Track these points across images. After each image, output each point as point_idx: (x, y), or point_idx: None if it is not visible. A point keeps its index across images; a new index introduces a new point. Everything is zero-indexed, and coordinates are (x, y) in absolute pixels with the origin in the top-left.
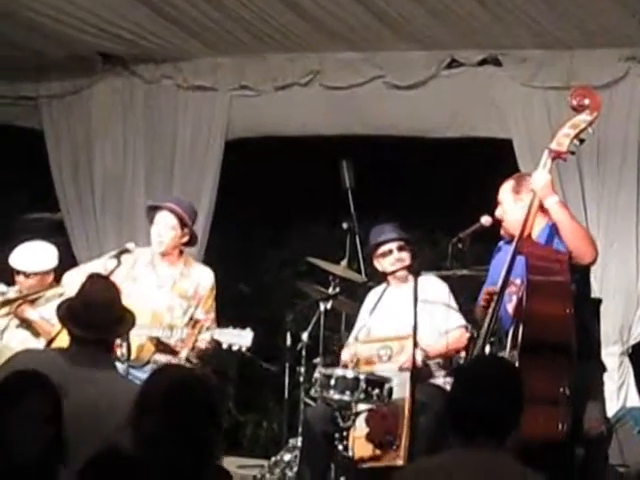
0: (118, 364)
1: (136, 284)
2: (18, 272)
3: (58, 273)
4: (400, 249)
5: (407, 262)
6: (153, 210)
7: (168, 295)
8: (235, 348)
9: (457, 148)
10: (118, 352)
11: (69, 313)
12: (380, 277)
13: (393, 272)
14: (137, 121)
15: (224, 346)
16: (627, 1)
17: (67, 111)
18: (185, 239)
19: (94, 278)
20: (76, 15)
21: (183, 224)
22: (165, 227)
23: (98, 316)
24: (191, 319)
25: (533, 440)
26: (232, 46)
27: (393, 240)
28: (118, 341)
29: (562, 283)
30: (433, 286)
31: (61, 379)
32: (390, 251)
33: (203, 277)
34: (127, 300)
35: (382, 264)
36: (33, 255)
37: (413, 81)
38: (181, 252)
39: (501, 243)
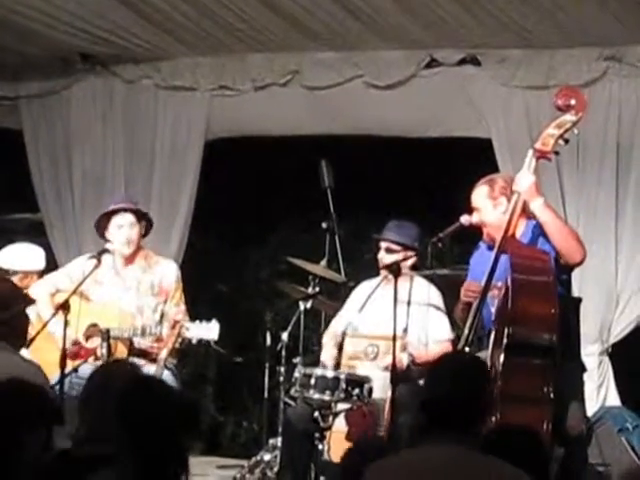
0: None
1: (102, 288)
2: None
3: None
4: (387, 250)
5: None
6: (105, 220)
7: (135, 296)
8: (204, 341)
9: (437, 147)
10: (98, 352)
11: None
12: (361, 275)
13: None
14: (117, 121)
15: (193, 341)
16: (606, 1)
17: (46, 111)
18: (144, 230)
19: None
20: (56, 15)
21: (139, 218)
22: (130, 226)
23: None
24: (162, 316)
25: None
26: (211, 46)
27: (388, 241)
28: (98, 341)
29: (547, 283)
30: (427, 291)
31: None
32: (378, 249)
33: (166, 270)
34: (94, 304)
35: (379, 258)
36: (17, 255)
37: (392, 81)
38: (139, 247)
39: (481, 243)
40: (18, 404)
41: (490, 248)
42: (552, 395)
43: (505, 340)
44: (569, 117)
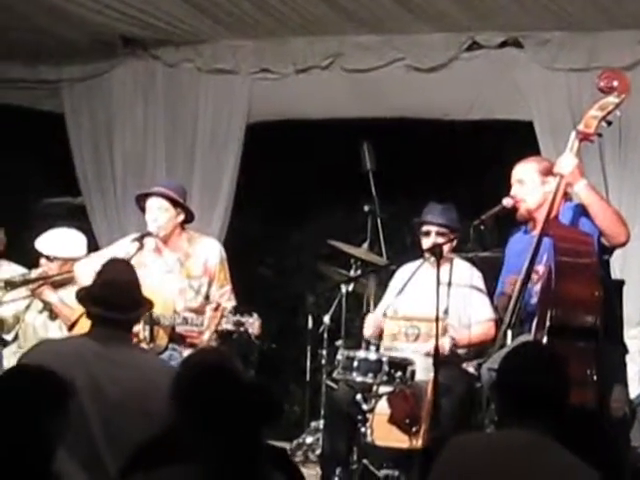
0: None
1: (145, 271)
2: (42, 255)
3: None
4: (438, 234)
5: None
6: (143, 200)
7: (177, 278)
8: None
9: (478, 130)
10: (141, 335)
11: (89, 294)
12: (403, 259)
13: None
14: (157, 104)
15: (234, 335)
16: None
17: (88, 94)
18: (181, 217)
19: (114, 261)
20: None
21: (174, 203)
22: (158, 210)
23: (119, 296)
24: (207, 298)
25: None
26: (252, 29)
27: (435, 224)
28: (140, 325)
29: (590, 265)
30: (466, 274)
31: (94, 361)
32: (428, 233)
33: (210, 251)
34: None
35: (422, 242)
36: (59, 240)
37: (433, 64)
38: (182, 230)
39: (516, 232)
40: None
41: (526, 232)
42: (595, 378)
43: (548, 323)
44: (612, 99)
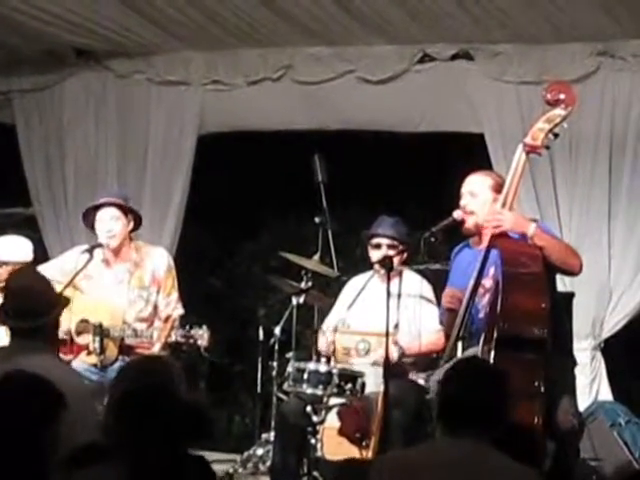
0: (92, 359)
1: (92, 283)
2: None
3: None
4: (389, 247)
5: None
6: (92, 214)
7: (127, 289)
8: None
9: (429, 143)
10: (90, 347)
11: (1, 308)
12: (353, 270)
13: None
14: (109, 115)
15: (183, 347)
16: None
17: (39, 105)
18: (131, 225)
19: (19, 270)
20: (49, 10)
21: (124, 211)
22: (111, 220)
23: (25, 304)
24: (156, 307)
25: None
26: (204, 41)
27: (386, 237)
28: (91, 336)
29: (537, 277)
30: (416, 284)
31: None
32: (379, 245)
33: (157, 260)
34: (86, 299)
35: (371, 254)
36: (8, 246)
37: (385, 76)
38: (130, 240)
39: (460, 246)
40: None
41: (469, 246)
42: (543, 389)
43: (495, 334)
44: (559, 111)
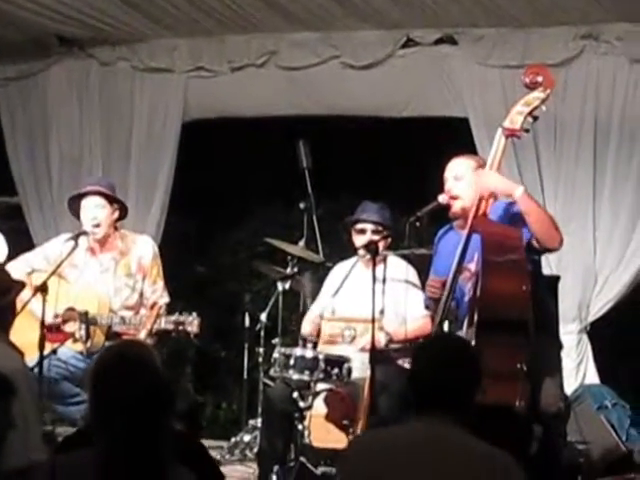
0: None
1: (78, 271)
2: None
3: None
4: (374, 232)
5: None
6: (77, 202)
7: (113, 277)
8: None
9: (414, 127)
10: (77, 334)
11: None
12: (340, 256)
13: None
14: (93, 103)
15: (173, 334)
16: None
17: (23, 94)
18: (116, 214)
19: None
20: None
21: (110, 200)
22: (96, 208)
23: None
24: (141, 295)
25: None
26: (188, 27)
27: (371, 222)
28: (77, 324)
29: (518, 260)
30: (401, 269)
31: None
32: (363, 231)
33: (143, 248)
34: (72, 287)
35: (355, 240)
36: None
37: (369, 61)
38: (115, 229)
39: (443, 230)
40: None
41: (452, 228)
42: (525, 371)
43: (476, 317)
44: (537, 94)
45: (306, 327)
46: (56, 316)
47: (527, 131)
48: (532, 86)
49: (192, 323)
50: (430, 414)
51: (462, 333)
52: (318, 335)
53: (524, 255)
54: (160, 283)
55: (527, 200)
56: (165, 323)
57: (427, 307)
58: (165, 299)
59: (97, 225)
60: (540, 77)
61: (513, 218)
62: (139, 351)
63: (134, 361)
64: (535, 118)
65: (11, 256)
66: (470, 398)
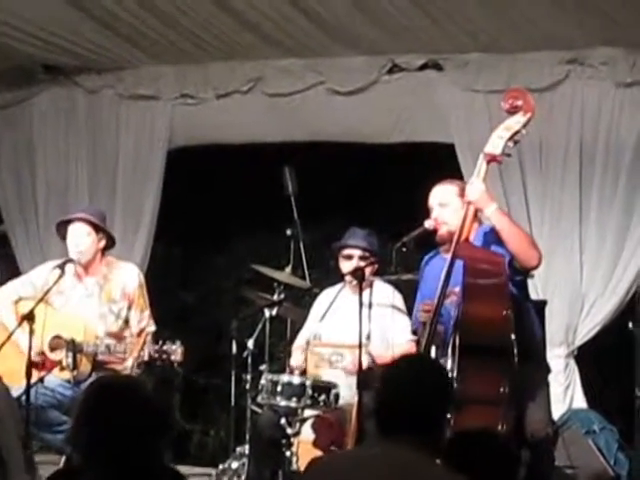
0: (65, 374)
1: (64, 297)
2: None
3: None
4: (361, 258)
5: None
6: (64, 227)
7: (97, 303)
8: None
9: (399, 153)
10: (64, 362)
11: None
12: (327, 282)
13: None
14: (79, 131)
15: (157, 363)
16: (566, 4)
17: (9, 122)
18: (102, 243)
19: None
20: (17, 26)
21: (96, 229)
22: (80, 236)
23: None
24: (126, 322)
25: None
26: (173, 55)
27: (358, 248)
28: (64, 352)
29: (498, 285)
30: (387, 294)
31: None
32: (350, 257)
33: (128, 276)
34: (58, 315)
35: (342, 265)
36: None
37: (354, 87)
38: (102, 256)
39: (429, 255)
40: None
41: (438, 254)
42: (509, 395)
43: (457, 342)
44: (517, 118)
45: (296, 357)
46: (41, 353)
47: (509, 155)
48: (512, 110)
49: (176, 351)
50: (395, 437)
51: (447, 357)
52: (306, 361)
53: (505, 280)
54: (146, 312)
55: (499, 217)
56: (149, 351)
57: (415, 332)
58: (152, 327)
59: (80, 252)
60: (519, 101)
61: (497, 242)
62: (128, 381)
63: (127, 392)
64: (516, 142)
65: None
66: (438, 421)
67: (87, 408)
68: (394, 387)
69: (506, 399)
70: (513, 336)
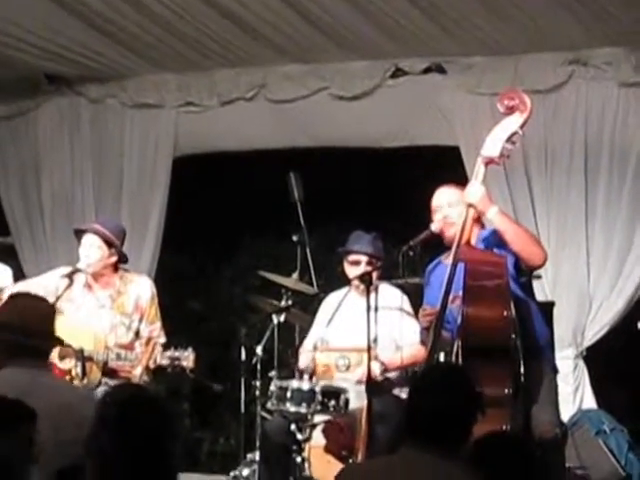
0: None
1: (74, 306)
2: None
3: None
4: (368, 263)
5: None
6: (80, 234)
7: (109, 314)
8: (178, 368)
9: (405, 157)
10: (73, 372)
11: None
12: (334, 287)
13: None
14: (84, 141)
15: (168, 369)
16: (569, 4)
17: (13, 133)
18: (114, 259)
19: (24, 293)
20: (20, 37)
21: (109, 244)
22: (91, 247)
23: (40, 324)
24: (137, 334)
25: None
26: (176, 62)
27: (365, 254)
28: (73, 361)
29: (499, 285)
30: (395, 298)
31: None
32: (357, 262)
33: (141, 288)
34: (68, 323)
35: (348, 270)
36: None
37: (358, 92)
38: (116, 269)
39: (432, 264)
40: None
41: (440, 261)
42: (513, 396)
43: (461, 345)
44: (513, 119)
45: (303, 360)
46: (50, 362)
47: (507, 157)
48: (508, 111)
49: (187, 358)
50: (425, 444)
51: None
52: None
53: (506, 281)
54: (158, 323)
55: (501, 218)
56: (161, 359)
57: (422, 342)
58: (162, 339)
59: (89, 264)
60: (515, 101)
61: (499, 245)
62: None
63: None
64: (514, 143)
65: None
66: (467, 428)
67: (106, 415)
68: (425, 395)
69: (510, 400)
70: (514, 336)
